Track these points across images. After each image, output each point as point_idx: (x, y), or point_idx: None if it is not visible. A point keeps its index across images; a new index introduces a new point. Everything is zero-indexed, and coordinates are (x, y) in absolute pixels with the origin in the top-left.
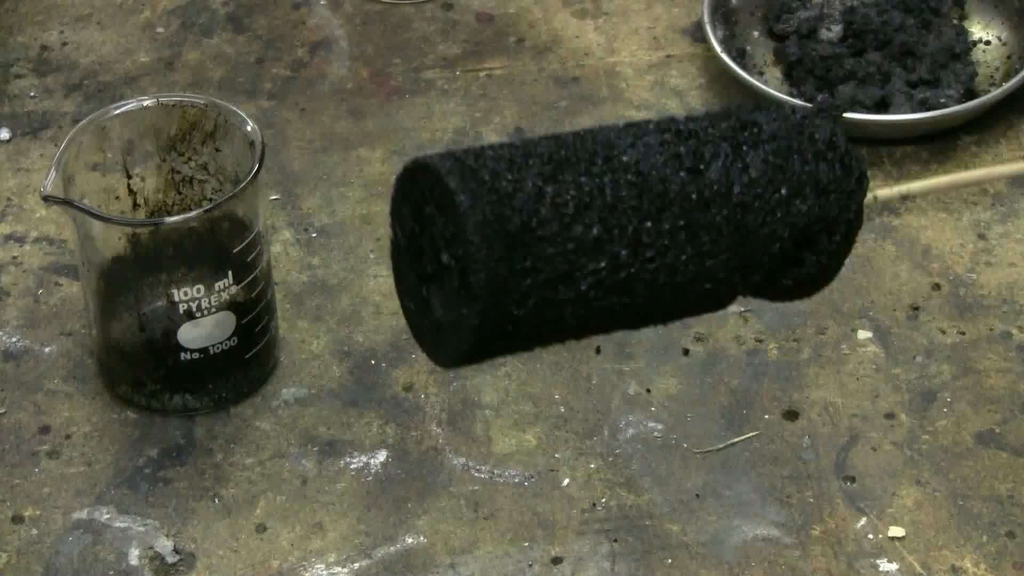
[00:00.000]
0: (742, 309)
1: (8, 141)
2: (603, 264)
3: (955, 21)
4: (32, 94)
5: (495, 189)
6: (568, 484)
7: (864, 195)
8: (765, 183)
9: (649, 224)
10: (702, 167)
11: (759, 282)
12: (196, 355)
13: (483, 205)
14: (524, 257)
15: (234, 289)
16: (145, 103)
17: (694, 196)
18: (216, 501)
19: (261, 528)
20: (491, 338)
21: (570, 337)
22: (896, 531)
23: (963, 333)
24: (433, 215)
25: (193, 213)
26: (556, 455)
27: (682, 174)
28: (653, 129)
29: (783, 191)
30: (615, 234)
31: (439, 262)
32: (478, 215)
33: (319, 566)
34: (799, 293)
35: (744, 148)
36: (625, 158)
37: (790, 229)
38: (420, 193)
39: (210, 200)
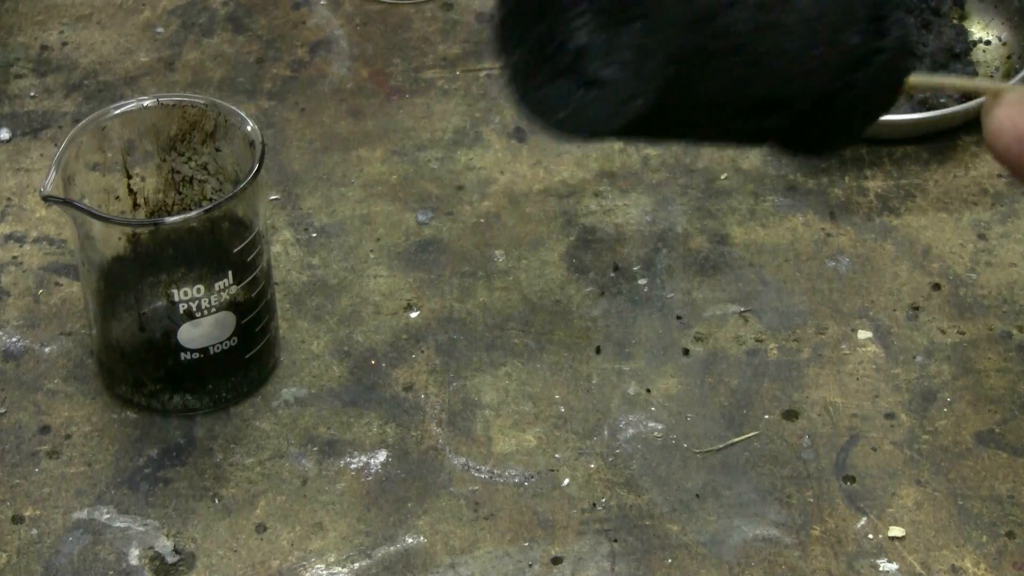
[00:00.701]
0: (742, 309)
1: (8, 141)
2: None
3: (955, 21)
4: (32, 94)
5: None
6: (568, 484)
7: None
8: None
9: None
10: None
11: (856, 46)
12: (196, 355)
13: None
14: None
15: (234, 289)
16: (145, 103)
17: None
18: (216, 501)
19: (261, 528)
20: (684, 70)
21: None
22: (896, 531)
23: (963, 333)
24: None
25: (193, 213)
26: (556, 455)
27: None
28: None
29: None
30: None
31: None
32: None
33: (319, 566)
34: (886, 72)
35: None
36: None
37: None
38: None
39: (210, 200)
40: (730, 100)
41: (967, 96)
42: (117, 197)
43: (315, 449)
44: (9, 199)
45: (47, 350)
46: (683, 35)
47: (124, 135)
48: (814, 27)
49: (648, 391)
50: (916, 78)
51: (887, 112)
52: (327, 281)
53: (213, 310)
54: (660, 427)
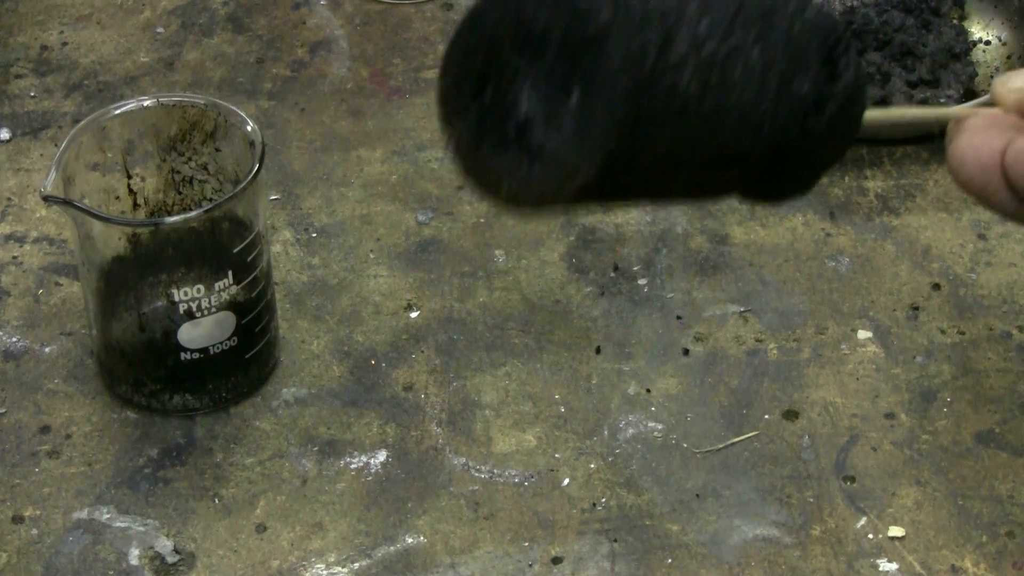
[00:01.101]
0: (742, 309)
1: (8, 141)
2: (698, 32)
3: (955, 21)
4: (32, 94)
5: None
6: (568, 484)
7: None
8: None
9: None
10: None
11: (807, 94)
12: (196, 355)
13: None
14: (641, 26)
15: (234, 289)
16: (145, 103)
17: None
18: (216, 501)
19: (261, 528)
20: (629, 136)
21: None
22: (896, 531)
23: (963, 333)
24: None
25: (193, 213)
26: (556, 455)
27: None
28: None
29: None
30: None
31: (547, 85)
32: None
33: (319, 566)
34: (840, 120)
35: None
36: None
37: (812, 32)
38: (498, 29)
39: (210, 200)
40: (682, 160)
41: (967, 96)
42: (117, 197)
43: (315, 449)
44: (9, 199)
45: (47, 350)
46: (626, 102)
47: (124, 135)
48: (762, 80)
49: (648, 391)
50: (872, 113)
51: (846, 152)
52: (327, 281)
53: (213, 310)
54: (660, 427)
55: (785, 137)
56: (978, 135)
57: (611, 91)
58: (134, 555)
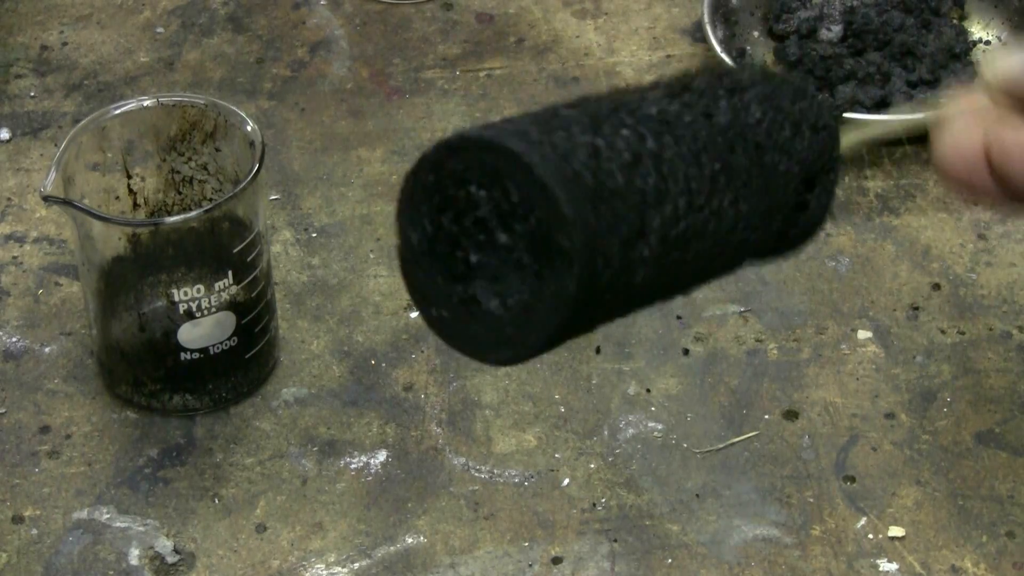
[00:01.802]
0: (742, 309)
1: (8, 141)
2: (668, 213)
3: (955, 21)
4: (32, 94)
5: (553, 146)
6: (568, 484)
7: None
8: (769, 122)
9: (694, 170)
10: (712, 112)
11: (778, 228)
12: (196, 355)
13: (551, 163)
14: (604, 212)
15: (234, 289)
16: (145, 103)
17: (719, 140)
18: (216, 501)
19: (261, 528)
20: (584, 307)
21: (635, 306)
22: (896, 531)
23: (963, 333)
24: (477, 195)
25: (193, 213)
26: (556, 455)
27: (701, 119)
28: (648, 88)
29: (786, 129)
30: (669, 183)
31: (490, 247)
32: (553, 171)
33: (319, 566)
34: (801, 240)
35: (736, 92)
36: (646, 110)
37: (800, 166)
38: (454, 177)
39: (210, 200)
40: (650, 303)
41: None
42: (117, 197)
43: (315, 449)
44: (9, 199)
45: (47, 350)
46: (586, 288)
47: (124, 135)
48: (732, 231)
49: (648, 391)
50: (846, 140)
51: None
52: (327, 281)
53: (213, 310)
54: (660, 427)
55: (760, 255)
56: (959, 133)
57: (560, 287)
58: (134, 555)
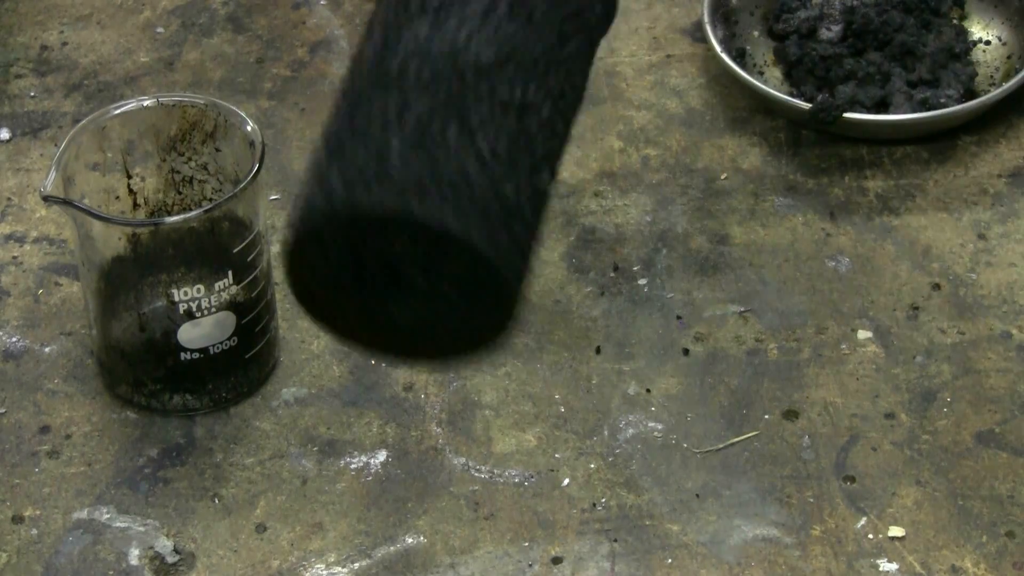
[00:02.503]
0: (742, 309)
1: (8, 141)
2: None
3: (955, 21)
4: (32, 94)
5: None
6: (568, 484)
7: None
8: None
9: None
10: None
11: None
12: (196, 355)
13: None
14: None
15: (234, 289)
16: (145, 103)
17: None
18: (216, 501)
19: (261, 528)
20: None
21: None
22: (896, 531)
23: (963, 333)
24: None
25: (193, 213)
26: (556, 455)
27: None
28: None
29: None
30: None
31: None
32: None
33: (319, 566)
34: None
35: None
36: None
37: None
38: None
39: (210, 200)
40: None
41: (967, 96)
42: (117, 197)
43: (315, 449)
44: (9, 199)
45: (47, 350)
46: None
47: (124, 135)
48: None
49: (648, 391)
50: None
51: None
52: None
53: (213, 310)
54: (660, 427)
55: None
56: None
57: None
58: (134, 555)
